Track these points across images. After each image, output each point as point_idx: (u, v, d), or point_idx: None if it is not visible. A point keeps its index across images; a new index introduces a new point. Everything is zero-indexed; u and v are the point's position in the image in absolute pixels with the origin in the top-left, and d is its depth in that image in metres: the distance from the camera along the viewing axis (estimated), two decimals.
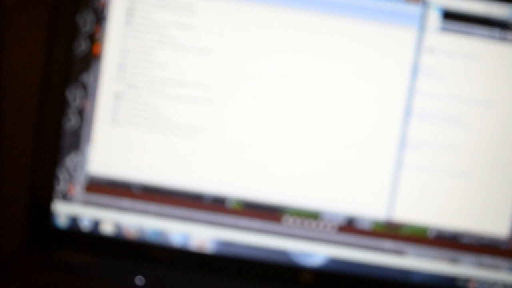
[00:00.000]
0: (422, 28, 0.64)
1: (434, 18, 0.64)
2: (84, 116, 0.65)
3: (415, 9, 0.64)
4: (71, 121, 0.64)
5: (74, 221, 0.66)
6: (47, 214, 0.66)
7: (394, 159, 0.65)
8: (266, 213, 0.66)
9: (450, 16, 0.64)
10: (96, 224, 0.66)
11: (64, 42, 0.63)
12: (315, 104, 0.64)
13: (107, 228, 0.67)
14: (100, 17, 0.64)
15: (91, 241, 0.66)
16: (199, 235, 0.66)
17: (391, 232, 0.65)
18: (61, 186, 0.66)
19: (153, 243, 0.66)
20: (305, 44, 0.64)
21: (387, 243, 0.67)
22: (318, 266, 0.67)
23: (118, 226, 0.66)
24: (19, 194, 0.66)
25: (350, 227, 0.66)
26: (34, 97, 0.65)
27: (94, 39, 0.64)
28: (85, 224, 0.66)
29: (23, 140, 0.66)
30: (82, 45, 0.64)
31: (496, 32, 0.65)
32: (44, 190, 0.65)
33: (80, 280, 0.64)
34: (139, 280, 0.65)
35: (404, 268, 0.67)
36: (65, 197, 0.66)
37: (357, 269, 0.67)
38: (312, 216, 0.65)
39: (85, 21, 0.63)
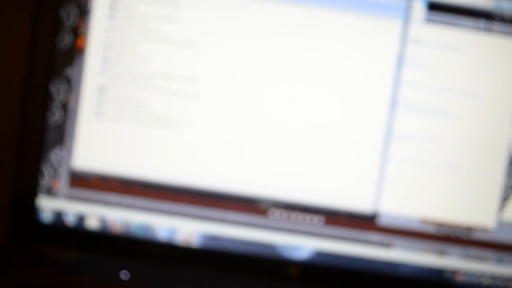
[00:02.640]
0: (407, 19, 0.64)
1: (419, 9, 0.64)
2: (68, 110, 0.64)
3: (400, 0, 0.64)
4: (55, 116, 0.64)
5: (59, 216, 0.66)
6: (32, 209, 0.65)
7: (379, 152, 0.65)
8: (252, 206, 0.66)
9: (435, 7, 0.64)
10: (81, 219, 0.66)
11: (47, 36, 0.63)
12: (300, 96, 0.64)
13: (92, 223, 0.66)
14: (83, 10, 0.63)
15: (76, 236, 0.66)
16: (184, 229, 0.66)
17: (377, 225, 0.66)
18: (45, 181, 0.65)
19: (139, 238, 0.66)
20: (289, 37, 0.64)
21: (374, 236, 0.67)
22: (305, 259, 0.67)
23: (103, 221, 0.66)
24: (3, 190, 0.66)
25: (336, 219, 0.66)
26: (17, 91, 0.65)
27: (78, 32, 0.63)
28: (70, 219, 0.66)
29: (7, 134, 0.66)
30: (65, 39, 0.63)
31: (482, 23, 0.64)
32: (28, 185, 0.65)
33: (66, 275, 0.64)
34: (124, 274, 0.65)
35: (391, 260, 0.67)
36: (50, 192, 0.65)
37: (344, 262, 0.67)
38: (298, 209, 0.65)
39: (69, 14, 0.63)
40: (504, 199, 0.66)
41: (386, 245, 0.67)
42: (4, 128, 0.65)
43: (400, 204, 0.66)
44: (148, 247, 0.66)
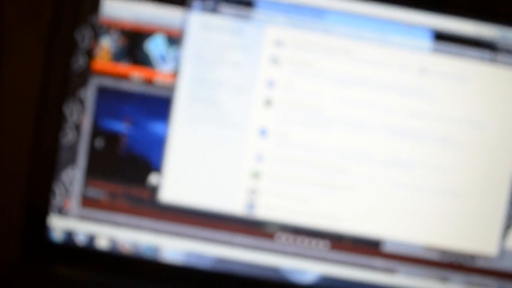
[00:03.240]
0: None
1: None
2: (81, 130, 0.65)
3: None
4: (68, 136, 0.65)
5: (69, 235, 0.67)
6: (43, 228, 0.66)
7: (380, 178, 0.66)
8: (259, 230, 0.67)
9: (441, 37, 0.66)
10: (91, 238, 0.67)
11: (61, 57, 0.65)
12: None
13: (102, 243, 0.67)
14: (98, 33, 0.65)
15: (87, 255, 0.67)
16: (192, 251, 0.67)
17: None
18: (57, 200, 0.66)
19: (148, 259, 0.67)
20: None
21: (378, 261, 0.68)
22: (310, 283, 0.68)
23: (113, 241, 0.67)
24: (16, 208, 0.67)
25: (342, 244, 0.67)
26: (32, 109, 0.66)
27: (92, 54, 0.65)
28: (81, 239, 0.67)
29: (20, 153, 0.67)
30: (80, 61, 0.65)
31: (486, 53, 0.66)
32: (40, 204, 0.66)
33: None
34: None
35: (395, 286, 0.68)
36: (61, 211, 0.66)
37: (348, 286, 0.68)
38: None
39: (83, 36, 0.65)
40: (507, 227, 0.67)
41: (390, 270, 0.68)
42: (18, 146, 0.66)
43: (404, 230, 0.67)
44: (157, 268, 0.67)
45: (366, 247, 0.67)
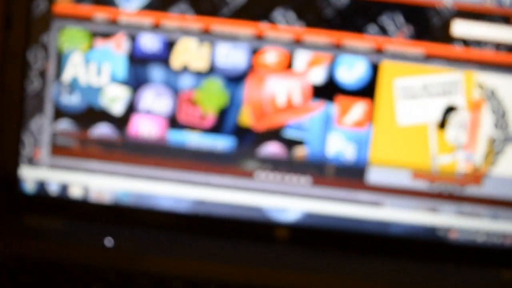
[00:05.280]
0: None
1: None
2: (46, 77, 0.64)
3: None
4: (33, 84, 0.64)
5: (41, 185, 0.65)
6: (14, 180, 0.65)
7: None
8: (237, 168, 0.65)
9: None
10: (64, 187, 0.65)
11: (21, 1, 0.63)
12: None
13: (75, 191, 0.66)
14: None
15: (60, 205, 0.65)
16: (169, 194, 0.66)
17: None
18: (26, 150, 0.65)
19: (123, 205, 0.65)
20: None
21: (363, 195, 0.66)
22: (293, 221, 0.66)
23: (86, 189, 0.66)
24: None
25: (323, 179, 0.65)
26: None
27: None
28: (53, 188, 0.65)
29: None
30: (40, 5, 0.63)
31: None
32: (9, 155, 0.64)
33: (50, 244, 0.63)
34: (108, 241, 0.64)
35: (381, 220, 0.66)
36: (31, 161, 0.65)
37: (333, 222, 0.66)
38: None
39: None
40: (497, 153, 0.65)
41: (376, 204, 0.66)
42: None
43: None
44: (132, 213, 0.65)
45: (350, 180, 0.65)
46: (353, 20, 0.63)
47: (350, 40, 0.63)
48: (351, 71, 0.64)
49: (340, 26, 0.63)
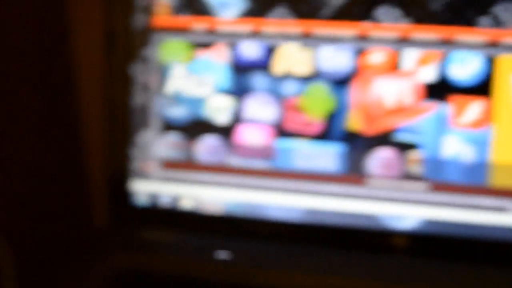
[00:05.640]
0: None
1: None
2: (149, 91, 0.64)
3: None
4: (137, 98, 0.64)
5: (153, 198, 0.66)
6: (126, 194, 0.66)
7: None
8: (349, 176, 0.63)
9: None
10: (175, 200, 0.65)
11: (121, 16, 0.63)
12: None
13: (186, 204, 0.65)
14: None
15: (172, 217, 0.66)
16: (280, 204, 0.64)
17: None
18: (136, 164, 0.65)
19: (234, 216, 0.64)
20: None
21: (485, 200, 0.61)
22: (411, 229, 0.62)
23: (197, 201, 0.65)
24: (101, 176, 0.67)
25: (441, 184, 0.61)
26: (100, 76, 0.65)
27: (151, 10, 0.63)
28: (165, 201, 0.66)
29: (98, 121, 0.67)
30: (140, 19, 0.63)
31: None
32: (120, 169, 0.65)
33: (164, 257, 0.64)
34: (222, 254, 0.64)
35: (507, 226, 0.60)
36: (142, 174, 0.66)
37: (454, 230, 0.62)
38: None
39: None
40: None
41: (500, 209, 0.61)
42: (95, 117, 0.66)
43: None
44: (243, 224, 0.64)
45: (470, 185, 0.61)
46: (464, 12, 0.58)
47: (462, 34, 0.58)
48: (465, 68, 0.59)
49: (450, 20, 0.58)
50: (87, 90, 0.66)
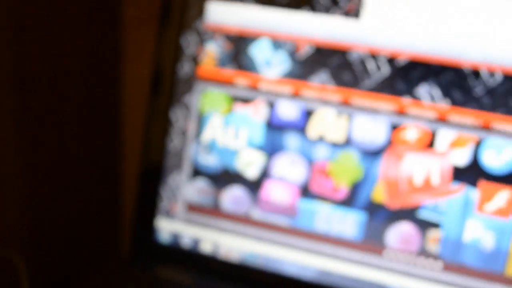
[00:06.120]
0: None
1: None
2: (186, 136, 0.66)
3: None
4: (174, 141, 0.66)
5: (175, 238, 0.68)
6: (152, 229, 0.68)
7: None
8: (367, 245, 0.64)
9: None
10: (196, 242, 0.67)
11: (168, 63, 0.65)
12: None
13: (206, 247, 0.67)
14: (203, 38, 0.64)
15: (190, 258, 0.67)
16: (295, 261, 0.65)
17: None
18: (164, 203, 0.67)
19: (249, 266, 0.66)
20: None
21: (498, 287, 0.61)
22: None
23: (216, 246, 0.67)
24: (129, 209, 0.69)
25: (456, 266, 0.61)
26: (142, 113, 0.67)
27: (197, 60, 0.65)
28: (186, 242, 0.67)
29: (134, 157, 0.69)
30: (185, 66, 0.65)
31: None
32: (149, 206, 0.67)
33: None
34: None
35: None
36: (168, 214, 0.67)
37: None
38: None
39: (189, 42, 0.64)
40: None
41: None
42: (132, 152, 0.68)
43: None
44: (257, 275, 0.66)
45: (485, 271, 0.61)
46: (505, 100, 0.59)
47: (501, 122, 0.59)
48: (499, 156, 0.59)
49: (490, 107, 0.59)
50: (129, 127, 0.69)
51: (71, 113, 0.68)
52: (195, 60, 0.65)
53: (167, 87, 0.65)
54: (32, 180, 0.67)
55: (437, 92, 0.60)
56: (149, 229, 0.67)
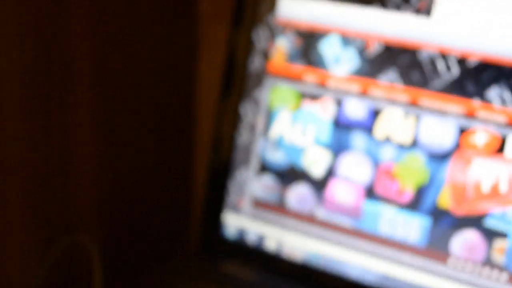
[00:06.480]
0: None
1: None
2: (255, 131, 0.66)
3: None
4: (243, 136, 0.66)
5: (241, 233, 0.68)
6: (217, 224, 0.68)
7: None
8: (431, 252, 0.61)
9: None
10: (261, 239, 0.67)
11: (240, 57, 0.66)
12: None
13: (270, 245, 0.67)
14: (274, 33, 0.65)
15: (254, 255, 0.67)
16: (358, 264, 0.64)
17: None
18: (231, 198, 0.67)
19: (311, 266, 0.65)
20: None
21: None
22: None
23: (280, 244, 0.66)
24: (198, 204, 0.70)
25: None
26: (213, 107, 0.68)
27: (268, 55, 0.65)
28: (251, 238, 0.68)
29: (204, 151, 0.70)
30: (256, 61, 0.65)
31: None
32: (216, 201, 0.68)
33: None
34: None
35: None
36: (235, 209, 0.68)
37: None
38: None
39: (260, 37, 0.65)
40: None
41: None
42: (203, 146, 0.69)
43: None
44: (319, 276, 0.65)
45: None
46: None
47: None
48: None
49: None
50: (202, 122, 0.70)
51: (147, 109, 0.70)
52: (265, 55, 0.65)
53: (238, 82, 0.66)
54: (109, 173, 0.70)
55: (508, 95, 0.57)
56: (216, 223, 0.68)
